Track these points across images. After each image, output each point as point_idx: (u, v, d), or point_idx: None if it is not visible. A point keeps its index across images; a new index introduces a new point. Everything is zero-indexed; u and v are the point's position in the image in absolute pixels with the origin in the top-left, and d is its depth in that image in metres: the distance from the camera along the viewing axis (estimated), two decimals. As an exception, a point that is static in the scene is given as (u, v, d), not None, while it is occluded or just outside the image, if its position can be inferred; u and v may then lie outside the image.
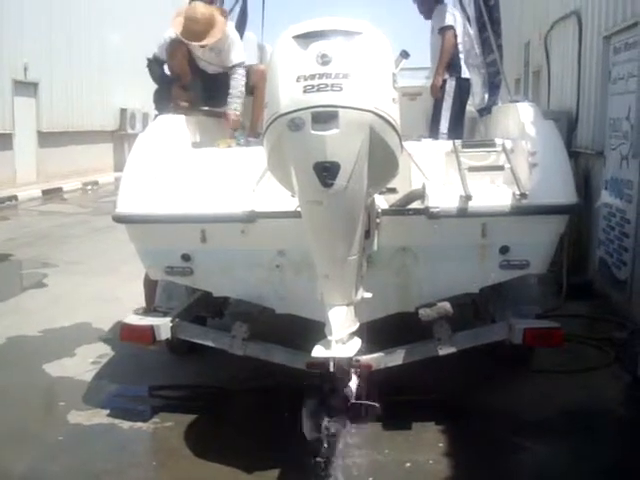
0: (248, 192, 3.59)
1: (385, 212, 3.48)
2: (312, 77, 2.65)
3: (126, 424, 3.77)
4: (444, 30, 5.36)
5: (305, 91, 2.64)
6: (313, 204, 2.80)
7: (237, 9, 5.85)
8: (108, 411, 3.92)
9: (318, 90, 2.63)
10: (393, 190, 3.55)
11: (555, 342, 3.68)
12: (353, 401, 2.95)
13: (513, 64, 11.53)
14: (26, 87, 15.53)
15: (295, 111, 2.64)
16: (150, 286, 4.63)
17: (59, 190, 15.30)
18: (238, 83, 4.73)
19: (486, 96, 5.30)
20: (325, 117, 2.63)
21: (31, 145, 15.75)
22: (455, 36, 5.39)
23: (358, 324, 3.09)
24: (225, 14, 4.80)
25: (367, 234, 3.30)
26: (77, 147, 17.35)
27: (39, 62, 15.75)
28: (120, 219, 3.71)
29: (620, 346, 4.88)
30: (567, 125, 7.33)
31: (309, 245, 2.98)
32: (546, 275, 6.80)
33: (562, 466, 3.35)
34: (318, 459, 2.89)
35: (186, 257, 3.70)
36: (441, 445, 3.50)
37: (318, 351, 2.89)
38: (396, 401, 3.86)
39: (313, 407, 2.95)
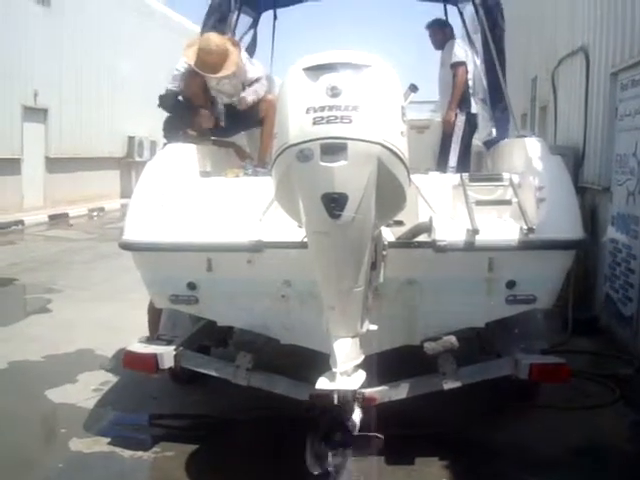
0: (255, 222, 3.60)
1: (392, 244, 3.47)
2: (322, 109, 2.68)
3: (127, 453, 3.73)
4: (457, 66, 5.42)
5: (315, 123, 2.67)
6: (320, 235, 2.81)
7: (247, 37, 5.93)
8: (109, 439, 3.87)
9: (327, 122, 2.66)
10: (400, 223, 3.56)
11: (562, 378, 3.66)
12: (357, 433, 2.91)
13: (520, 99, 11.61)
14: (36, 113, 15.71)
15: (304, 142, 2.67)
16: (154, 314, 4.60)
17: (65, 216, 15.37)
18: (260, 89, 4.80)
19: (493, 130, 5.32)
20: (334, 149, 2.65)
21: (39, 170, 15.87)
22: (467, 72, 5.45)
23: (363, 357, 3.08)
24: (237, 45, 4.85)
25: (374, 266, 3.30)
26: (84, 173, 17.48)
27: (49, 89, 15.94)
28: (126, 246, 3.71)
29: (626, 383, 4.85)
30: (574, 160, 7.35)
31: (315, 276, 2.98)
32: (552, 310, 6.84)
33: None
34: None
35: (192, 285, 3.70)
36: (444, 480, 3.46)
37: (322, 383, 2.87)
38: (399, 435, 3.87)
39: (316, 440, 2.92)
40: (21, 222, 13.61)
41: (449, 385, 3.61)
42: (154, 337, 4.46)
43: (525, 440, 3.92)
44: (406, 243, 3.55)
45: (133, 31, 19.51)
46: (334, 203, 2.67)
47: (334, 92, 2.70)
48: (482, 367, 3.74)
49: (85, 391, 4.63)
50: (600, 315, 6.38)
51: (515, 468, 3.59)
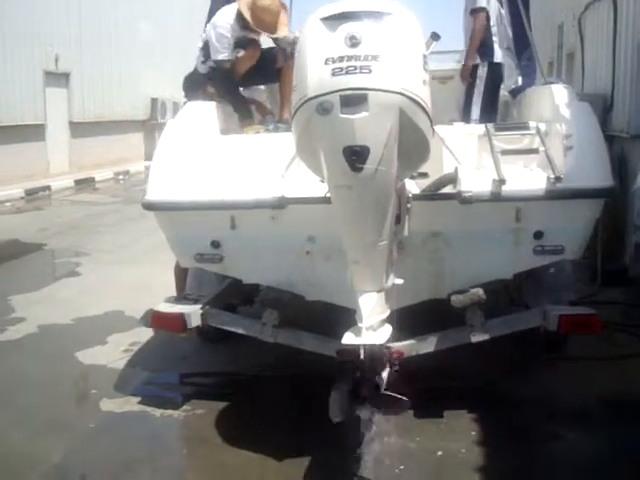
0: (277, 178, 3.56)
1: (416, 197, 3.42)
2: (341, 59, 2.61)
3: (157, 412, 3.77)
4: (476, 12, 5.24)
5: (333, 74, 2.61)
6: (342, 189, 2.77)
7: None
8: (139, 399, 3.92)
9: (347, 73, 2.60)
10: (425, 175, 3.49)
11: (592, 329, 3.60)
12: (383, 391, 2.90)
13: (546, 46, 11.32)
14: (57, 78, 15.68)
15: (323, 94, 2.61)
16: (180, 274, 4.62)
17: (91, 180, 15.45)
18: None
19: (519, 79, 5.17)
20: (354, 100, 2.59)
21: (63, 135, 15.91)
22: (488, 18, 5.26)
23: (389, 311, 3.06)
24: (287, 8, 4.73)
25: (398, 219, 3.25)
26: (109, 137, 17.48)
27: (70, 53, 15.88)
28: (149, 206, 3.70)
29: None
30: (602, 108, 7.16)
31: (339, 230, 2.95)
32: (580, 261, 6.76)
33: (598, 454, 3.29)
34: None
35: (216, 244, 3.68)
36: (473, 434, 3.45)
37: (348, 338, 2.85)
38: (427, 388, 3.87)
39: (341, 392, 2.92)
40: (48, 188, 13.70)
41: (477, 338, 3.58)
42: (181, 297, 4.49)
43: (555, 392, 3.89)
44: (431, 195, 3.49)
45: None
46: (355, 156, 2.62)
47: (353, 42, 2.63)
48: (510, 319, 3.69)
49: (115, 352, 4.69)
50: (630, 265, 6.28)
51: (546, 421, 3.57)
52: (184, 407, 3.83)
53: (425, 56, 2.79)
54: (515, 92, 5.15)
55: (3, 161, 13.24)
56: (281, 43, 4.61)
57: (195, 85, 4.72)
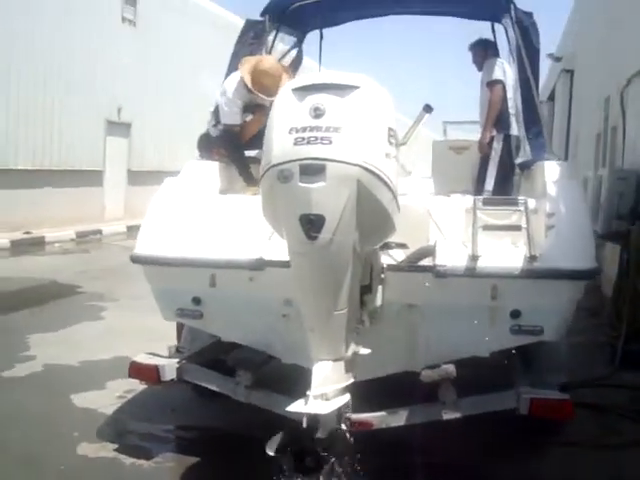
0: (261, 239, 3.62)
1: (391, 267, 3.42)
2: (304, 129, 2.69)
3: (129, 460, 3.81)
4: (492, 84, 5.30)
5: (296, 143, 2.68)
6: (299, 256, 2.80)
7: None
8: (116, 446, 3.98)
9: (308, 143, 2.67)
10: (403, 245, 3.50)
11: (564, 415, 3.47)
12: (332, 461, 2.85)
13: (594, 119, 11.20)
14: (119, 127, 16.43)
15: (284, 163, 2.68)
16: (180, 326, 4.70)
17: (143, 226, 15.91)
18: None
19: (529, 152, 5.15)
20: (313, 170, 2.65)
21: (121, 183, 16.57)
22: (504, 90, 5.30)
23: (350, 380, 3.03)
24: (288, 70, 4.86)
25: (368, 289, 3.26)
26: (164, 186, 18.05)
27: (132, 104, 16.64)
28: (136, 259, 3.83)
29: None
30: (635, 184, 7.03)
31: (296, 297, 2.97)
32: (602, 341, 6.54)
33: None
34: None
35: (197, 300, 3.76)
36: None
37: (294, 406, 2.84)
38: (408, 463, 3.79)
39: (286, 436, 2.88)
40: (99, 232, 14.22)
41: (448, 415, 3.50)
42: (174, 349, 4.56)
43: (538, 478, 3.74)
44: (406, 267, 3.48)
45: (210, 44, 19.98)
46: (311, 224, 2.67)
47: (317, 113, 2.70)
48: (484, 399, 3.59)
49: (109, 397, 4.77)
50: (654, 348, 6.02)
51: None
52: (156, 458, 3.86)
53: (392, 129, 2.83)
54: (523, 166, 5.12)
55: (61, 204, 13.86)
56: None
57: (208, 145, 4.87)
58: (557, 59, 16.18)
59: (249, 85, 4.53)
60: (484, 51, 5.52)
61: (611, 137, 9.75)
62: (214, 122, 4.78)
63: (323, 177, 2.63)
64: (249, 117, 4.70)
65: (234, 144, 4.68)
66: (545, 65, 17.21)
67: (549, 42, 19.80)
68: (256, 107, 4.66)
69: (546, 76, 18.69)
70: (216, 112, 4.76)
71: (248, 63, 4.68)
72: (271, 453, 2.89)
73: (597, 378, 5.41)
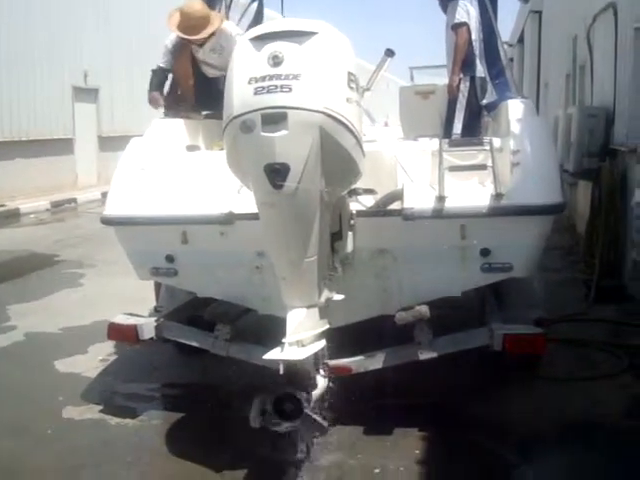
0: (231, 194, 3.62)
1: (360, 213, 3.45)
2: (263, 79, 2.68)
3: (114, 420, 3.86)
4: (457, 27, 5.25)
5: (256, 93, 2.68)
6: (266, 206, 2.82)
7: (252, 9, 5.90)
8: (101, 407, 4.02)
9: (268, 92, 2.66)
10: (372, 191, 3.53)
11: (537, 349, 3.55)
12: (306, 410, 2.90)
13: (563, 59, 11.17)
14: (87, 93, 16.11)
15: (246, 113, 2.68)
16: (158, 286, 4.72)
17: (119, 192, 15.77)
18: None
19: (494, 93, 5.15)
20: (274, 119, 2.65)
21: (92, 149, 16.31)
22: (469, 32, 5.27)
23: (325, 327, 3.08)
24: (221, 16, 4.86)
25: (339, 235, 3.29)
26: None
27: (99, 69, 16.29)
28: (107, 221, 3.82)
29: (636, 353, 4.67)
30: (605, 122, 7.07)
31: (266, 247, 3.00)
32: (577, 278, 6.66)
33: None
34: None
35: (170, 258, 3.77)
36: (417, 452, 3.42)
37: (270, 354, 2.89)
38: (383, 404, 3.88)
39: (262, 400, 2.93)
40: (74, 200, 14.06)
41: (424, 355, 3.57)
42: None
43: (514, 414, 3.83)
44: (375, 212, 3.51)
45: (178, 2, 19.63)
46: (276, 173, 2.68)
47: (275, 61, 2.70)
48: (458, 337, 3.66)
49: (92, 361, 4.81)
50: (628, 283, 6.15)
51: (495, 443, 3.51)
52: (141, 417, 3.92)
53: (351, 74, 2.82)
54: (490, 107, 5.13)
55: (32, 174, 13.66)
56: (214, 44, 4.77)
57: (175, 102, 4.85)
58: (525, 0, 16.03)
59: (169, 26, 4.66)
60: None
61: (580, 76, 9.75)
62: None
63: (285, 125, 2.64)
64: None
65: (162, 83, 4.91)
66: (514, 7, 17.06)
67: (517, -17, 19.51)
68: (182, 47, 4.74)
69: (515, 18, 18.55)
70: None
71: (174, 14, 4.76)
72: (256, 426, 2.94)
73: (572, 314, 5.53)
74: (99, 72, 16.31)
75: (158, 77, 4.86)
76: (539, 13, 14.48)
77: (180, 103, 4.75)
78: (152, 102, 4.79)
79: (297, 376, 2.90)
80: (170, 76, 4.91)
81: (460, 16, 5.19)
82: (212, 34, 4.62)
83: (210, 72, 4.87)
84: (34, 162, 13.90)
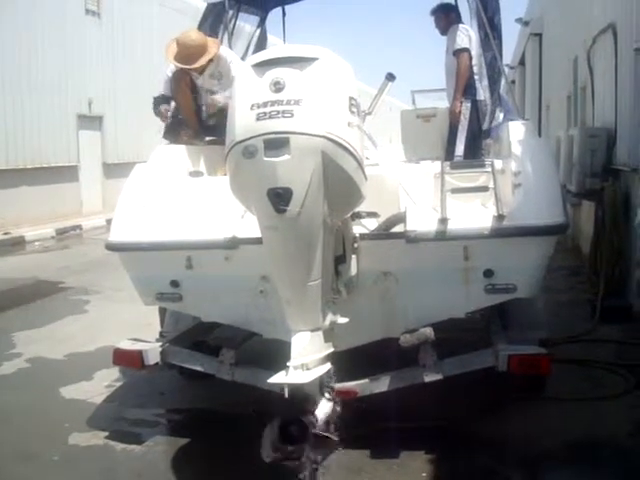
0: (234, 219, 3.64)
1: (363, 236, 3.46)
2: (265, 104, 2.71)
3: (120, 446, 3.86)
4: (459, 53, 5.32)
5: (258, 118, 2.70)
6: (269, 230, 2.83)
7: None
8: (107, 433, 4.01)
9: (270, 117, 2.69)
10: (374, 214, 3.54)
11: (542, 370, 3.54)
12: (314, 431, 2.89)
13: (564, 81, 11.25)
14: (91, 121, 16.26)
15: (248, 139, 2.70)
16: (163, 312, 4.73)
17: (124, 219, 15.84)
18: None
19: (501, 115, 5.19)
20: (276, 144, 2.67)
21: (97, 176, 16.42)
22: (470, 58, 5.33)
23: (329, 350, 3.08)
24: (218, 43, 4.93)
25: (342, 259, 3.31)
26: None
27: (103, 96, 16.46)
28: (111, 247, 3.84)
29: (644, 373, 4.65)
30: (607, 142, 7.11)
31: (270, 270, 3.01)
32: (582, 298, 6.64)
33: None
34: None
35: (175, 283, 3.78)
36: (424, 475, 3.41)
37: (275, 378, 2.89)
38: (392, 427, 3.85)
39: (273, 430, 2.93)
40: (79, 227, 14.12)
41: (430, 378, 3.56)
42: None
43: (520, 434, 3.81)
44: (378, 235, 3.53)
45: (179, 30, 19.78)
46: (279, 198, 2.70)
47: (277, 87, 2.72)
48: (463, 359, 3.66)
49: (97, 387, 4.81)
50: (633, 302, 6.13)
51: (502, 463, 3.50)
52: (147, 442, 3.91)
53: (352, 98, 2.85)
54: (488, 130, 5.17)
55: (38, 202, 13.75)
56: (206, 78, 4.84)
57: (174, 129, 4.89)
58: (525, 23, 16.21)
59: (167, 57, 4.71)
60: (446, 16, 5.54)
61: (581, 97, 9.82)
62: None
63: (287, 150, 2.66)
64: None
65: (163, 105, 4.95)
66: (514, 30, 17.23)
67: (517, 7, 19.79)
68: (181, 75, 4.80)
69: (516, 41, 18.72)
70: None
71: (172, 45, 4.81)
72: (269, 460, 2.92)
73: (578, 334, 5.51)
74: (103, 100, 16.49)
75: (160, 104, 4.90)
76: (539, 35, 14.62)
77: (182, 128, 4.78)
78: (160, 115, 4.85)
79: (302, 402, 2.89)
80: (173, 104, 4.95)
81: (461, 41, 5.26)
82: (210, 61, 4.69)
83: (215, 99, 4.88)
84: (39, 190, 14.00)
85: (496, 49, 4.84)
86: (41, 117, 14.37)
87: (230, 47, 5.18)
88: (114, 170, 16.82)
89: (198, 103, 4.86)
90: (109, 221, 14.97)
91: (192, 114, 4.83)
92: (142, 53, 17.68)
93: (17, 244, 12.26)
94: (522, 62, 17.92)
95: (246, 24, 5.86)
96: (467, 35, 5.34)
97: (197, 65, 4.61)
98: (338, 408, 3.20)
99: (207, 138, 4.85)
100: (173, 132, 4.83)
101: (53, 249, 12.10)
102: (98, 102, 16.32)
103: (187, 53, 4.60)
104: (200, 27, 5.20)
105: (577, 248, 8.79)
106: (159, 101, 4.89)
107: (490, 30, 4.71)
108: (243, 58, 5.31)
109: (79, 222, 14.38)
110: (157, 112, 4.89)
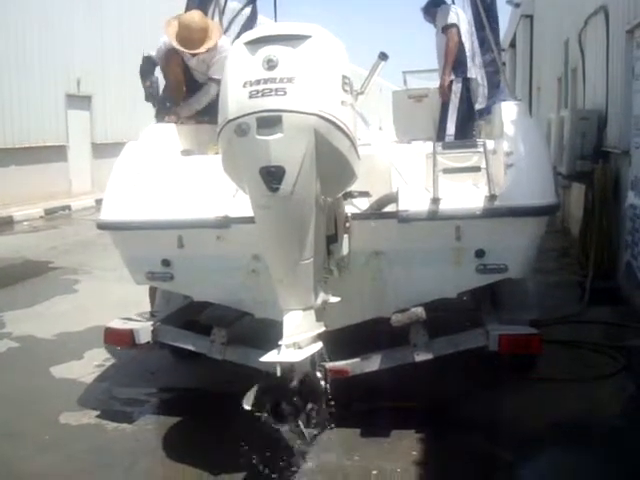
0: (225, 198, 3.63)
1: (355, 216, 3.46)
2: (257, 82, 2.70)
3: (111, 425, 3.86)
4: (447, 29, 5.30)
5: (250, 96, 2.69)
6: (262, 208, 2.83)
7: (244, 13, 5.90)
8: (98, 412, 4.01)
9: (263, 95, 2.68)
10: (366, 194, 3.54)
11: (533, 349, 3.57)
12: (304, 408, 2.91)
13: (555, 63, 11.24)
14: (80, 100, 16.09)
15: (241, 116, 2.69)
16: (154, 291, 4.71)
17: (113, 199, 15.76)
18: (205, 97, 4.74)
19: (486, 98, 5.19)
20: (269, 122, 2.66)
21: (86, 156, 16.27)
22: (459, 34, 5.30)
23: (320, 329, 3.08)
24: (219, 27, 4.86)
25: (334, 238, 3.30)
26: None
27: (92, 76, 16.27)
28: (102, 226, 3.82)
29: (633, 354, 4.69)
30: (597, 124, 7.12)
31: (262, 249, 3.01)
32: (571, 279, 6.69)
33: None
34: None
35: (166, 262, 3.78)
36: (414, 453, 3.42)
37: (267, 356, 2.89)
38: (380, 407, 3.88)
39: (263, 389, 2.94)
40: (68, 207, 14.04)
41: (420, 357, 3.58)
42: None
43: (510, 415, 3.84)
44: (370, 214, 3.52)
45: (170, 8, 19.62)
46: (272, 176, 2.69)
47: (270, 65, 2.71)
48: (454, 339, 3.67)
49: (88, 367, 4.79)
50: (621, 284, 6.18)
51: (491, 443, 3.51)
52: (138, 421, 3.91)
53: (346, 77, 2.84)
54: (481, 110, 5.16)
55: (27, 182, 13.64)
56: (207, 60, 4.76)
57: (166, 108, 4.85)
58: (516, 5, 16.15)
59: (168, 36, 4.61)
60: (435, 8, 5.50)
61: (572, 79, 9.81)
62: None
63: (280, 128, 2.65)
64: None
65: (152, 71, 4.92)
66: (506, 12, 17.14)
67: (509, -12, 19.62)
68: (174, 53, 4.72)
69: (507, 23, 18.63)
70: None
71: (173, 23, 4.71)
72: (247, 407, 2.96)
73: (567, 315, 5.55)
74: (92, 79, 16.30)
75: (149, 66, 4.86)
76: (530, 17, 14.57)
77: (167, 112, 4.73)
78: (143, 87, 4.83)
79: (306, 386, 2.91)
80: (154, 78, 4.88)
81: (451, 18, 5.23)
82: (209, 49, 4.63)
83: (201, 79, 4.84)
84: (27, 169, 13.89)
85: (488, 28, 4.81)
86: (30, 97, 14.22)
87: (221, 25, 5.12)
88: (103, 150, 16.64)
89: (188, 82, 4.80)
90: (98, 201, 15.00)
91: (180, 94, 4.77)
92: (132, 31, 17.44)
93: (5, 224, 12.17)
94: (513, 44, 17.85)
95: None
96: (455, 13, 5.32)
97: (199, 51, 4.55)
98: (328, 387, 3.23)
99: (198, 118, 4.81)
100: (163, 115, 4.78)
101: (42, 229, 12.02)
102: (87, 81, 16.14)
103: (189, 36, 4.53)
104: (188, 2, 5.12)
105: (566, 230, 8.83)
106: (146, 66, 4.83)
107: (484, 11, 4.68)
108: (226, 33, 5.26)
109: (68, 202, 14.29)
110: (143, 82, 4.84)
